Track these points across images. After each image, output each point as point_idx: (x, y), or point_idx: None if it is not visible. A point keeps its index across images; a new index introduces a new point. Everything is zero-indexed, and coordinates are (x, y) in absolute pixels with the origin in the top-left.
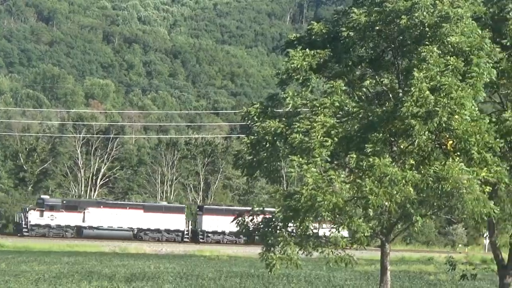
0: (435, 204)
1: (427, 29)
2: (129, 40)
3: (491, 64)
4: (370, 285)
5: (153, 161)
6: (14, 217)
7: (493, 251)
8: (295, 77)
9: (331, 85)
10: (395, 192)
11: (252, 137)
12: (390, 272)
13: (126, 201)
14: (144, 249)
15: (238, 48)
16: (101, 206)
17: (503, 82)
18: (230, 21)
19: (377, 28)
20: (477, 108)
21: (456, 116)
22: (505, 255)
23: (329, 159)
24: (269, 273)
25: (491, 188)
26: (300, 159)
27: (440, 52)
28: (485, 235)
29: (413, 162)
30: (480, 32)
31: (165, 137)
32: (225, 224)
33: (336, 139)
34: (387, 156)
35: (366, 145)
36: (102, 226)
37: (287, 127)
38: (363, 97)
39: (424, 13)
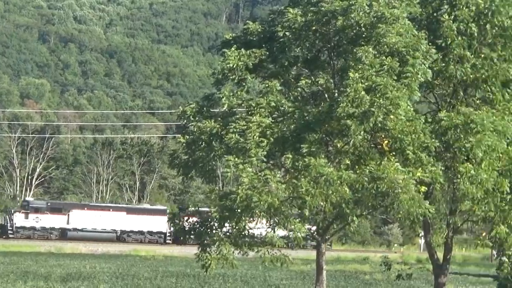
0: (370, 204)
1: (363, 29)
2: (65, 40)
3: (427, 65)
4: (305, 284)
5: (88, 161)
6: None
7: (428, 251)
8: (231, 77)
9: (267, 85)
10: (330, 192)
11: (188, 137)
12: (325, 271)
13: (110, 204)
14: (80, 249)
15: (174, 48)
16: (85, 208)
17: (438, 82)
18: (166, 21)
19: (313, 28)
20: (412, 108)
21: (392, 116)
22: (440, 255)
23: (265, 159)
24: (205, 273)
25: (426, 188)
26: (236, 159)
27: (375, 52)
28: (420, 235)
29: (349, 162)
30: (416, 32)
31: (101, 136)
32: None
33: (272, 139)
34: (323, 156)
35: (302, 145)
36: (86, 228)
37: (223, 127)
38: (298, 97)
39: (360, 13)
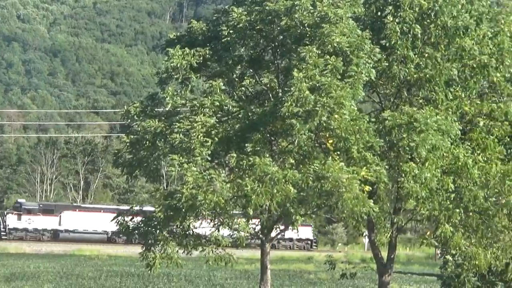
0: (315, 203)
1: (307, 29)
2: (8, 39)
3: (371, 64)
4: (250, 284)
5: (32, 160)
6: None
7: (373, 250)
8: (175, 76)
9: (211, 84)
10: (275, 191)
11: (132, 136)
12: (270, 271)
13: (102, 205)
14: (24, 248)
15: (118, 47)
16: (77, 210)
17: (382, 82)
18: (110, 20)
19: (257, 27)
20: (356, 108)
21: (336, 116)
22: (384, 254)
23: (209, 159)
24: (149, 272)
25: (370, 187)
26: (181, 158)
27: (320, 52)
28: (364, 234)
29: (293, 162)
30: (359, 32)
31: (45, 136)
32: None
33: (216, 139)
34: (267, 155)
35: (246, 145)
36: (77, 230)
37: (167, 127)
38: (243, 97)
39: (304, 13)
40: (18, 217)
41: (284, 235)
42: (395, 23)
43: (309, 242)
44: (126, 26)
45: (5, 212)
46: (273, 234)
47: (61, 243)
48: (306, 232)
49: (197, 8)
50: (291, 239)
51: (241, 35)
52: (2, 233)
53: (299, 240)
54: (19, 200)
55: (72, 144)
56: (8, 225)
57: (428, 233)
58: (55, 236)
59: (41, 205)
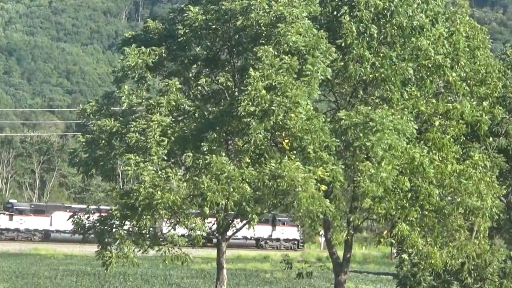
0: (271, 202)
1: (263, 28)
2: None
3: (326, 64)
4: (206, 283)
5: None
6: None
7: (329, 249)
8: (131, 75)
9: (167, 83)
10: (232, 189)
11: (88, 135)
12: (226, 270)
13: (92, 206)
14: None
15: (74, 46)
16: (67, 210)
17: (338, 81)
18: (66, 19)
19: (213, 27)
20: (312, 107)
21: (292, 115)
22: (340, 253)
23: (166, 158)
24: (106, 271)
25: (326, 187)
26: (137, 157)
27: (275, 51)
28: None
29: (249, 161)
30: (315, 32)
31: (0, 135)
32: None
33: (172, 138)
34: (224, 154)
35: (202, 144)
36: (68, 230)
37: (123, 126)
38: (199, 96)
39: (260, 13)
40: (10, 217)
41: (271, 236)
42: (352, 23)
43: (296, 242)
44: (82, 25)
45: None
46: (229, 233)
47: (16, 243)
48: (292, 232)
49: (153, 7)
50: (278, 239)
51: (197, 34)
52: None
53: (286, 240)
54: (11, 201)
55: (27, 143)
56: (0, 225)
57: (385, 232)
58: (46, 236)
59: (32, 206)
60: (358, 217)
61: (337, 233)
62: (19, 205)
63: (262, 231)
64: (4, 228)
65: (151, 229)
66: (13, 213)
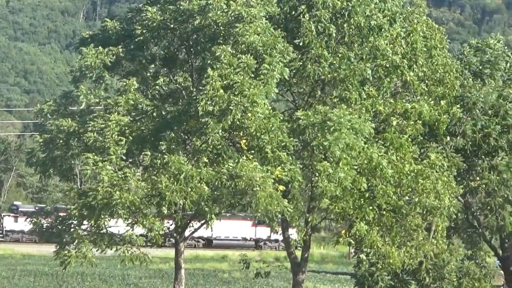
0: (229, 202)
1: (221, 28)
2: None
3: (284, 63)
4: (164, 283)
5: None
6: None
7: (287, 249)
8: (89, 74)
9: (125, 83)
10: (190, 189)
11: (46, 135)
12: (184, 270)
13: None
14: None
15: (31, 45)
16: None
17: (296, 81)
18: (23, 18)
19: (171, 26)
20: (270, 107)
21: (249, 114)
22: (298, 253)
23: (124, 157)
24: (64, 271)
25: (284, 187)
26: (95, 157)
27: (233, 51)
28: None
29: (207, 160)
30: (273, 31)
31: None
32: None
33: (130, 138)
34: (182, 154)
35: (160, 143)
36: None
37: (81, 126)
38: (157, 96)
39: (218, 12)
40: (15, 219)
41: (270, 237)
42: (311, 22)
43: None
44: (40, 25)
45: (2, 215)
46: (187, 233)
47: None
48: (291, 233)
49: (111, 7)
50: (276, 240)
51: (155, 34)
52: None
53: None
54: (15, 203)
55: None
56: (5, 227)
57: (344, 231)
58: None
59: (37, 208)
60: (316, 216)
61: (295, 233)
62: (23, 207)
63: (262, 232)
64: (9, 229)
65: (109, 229)
66: (18, 215)
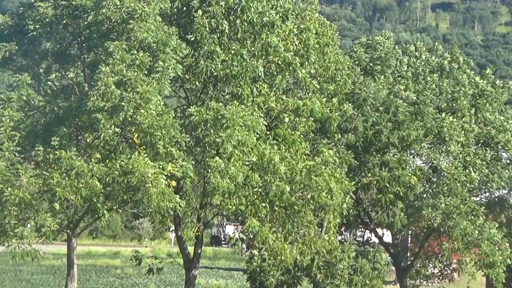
0: (121, 198)
1: (114, 24)
2: None
3: (177, 60)
4: (57, 279)
5: None
6: None
7: (179, 245)
8: None
9: (17, 78)
10: (81, 185)
11: None
12: (77, 266)
13: None
14: None
15: None
16: None
17: (189, 77)
18: None
19: (64, 22)
20: (162, 103)
21: (142, 111)
22: (191, 249)
23: (17, 153)
24: None
25: (177, 183)
26: None
27: (127, 47)
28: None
29: (99, 156)
30: (166, 29)
31: None
32: None
33: (24, 133)
34: (74, 149)
35: (52, 139)
36: None
37: None
38: (49, 91)
39: (112, 8)
40: None
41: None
42: (204, 18)
43: None
44: None
45: None
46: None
47: None
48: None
49: (2, 2)
50: None
51: (47, 30)
52: None
53: None
54: None
55: None
56: None
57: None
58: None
59: None
60: (209, 213)
61: (188, 229)
62: None
63: None
64: None
65: None
66: None
